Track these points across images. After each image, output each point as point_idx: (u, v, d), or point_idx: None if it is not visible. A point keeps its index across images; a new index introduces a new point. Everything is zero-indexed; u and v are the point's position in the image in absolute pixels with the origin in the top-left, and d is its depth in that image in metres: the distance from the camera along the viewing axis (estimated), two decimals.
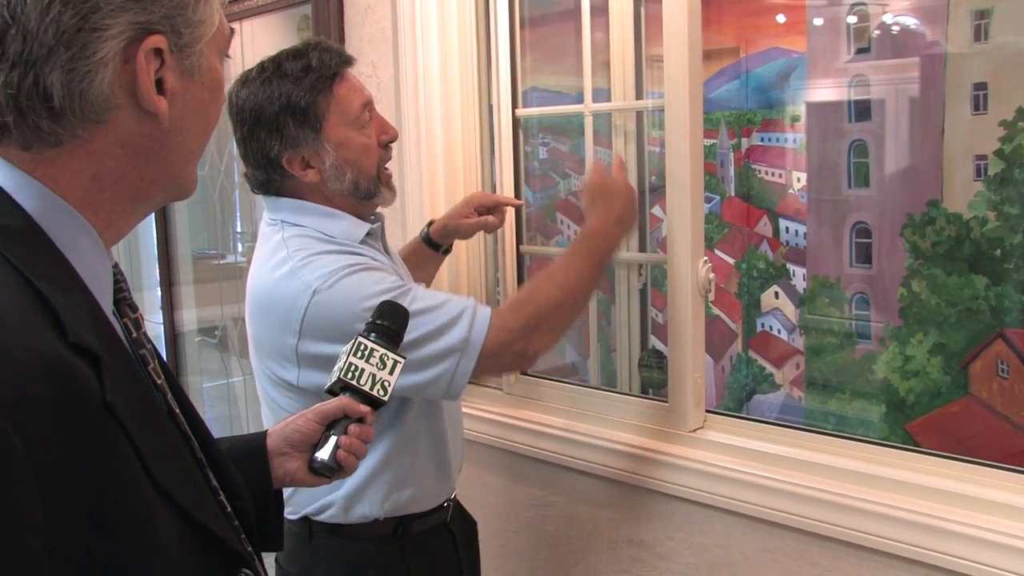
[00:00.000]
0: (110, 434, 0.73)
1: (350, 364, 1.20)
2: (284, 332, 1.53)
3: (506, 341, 1.53)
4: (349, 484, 1.63)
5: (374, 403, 1.21)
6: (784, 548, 1.66)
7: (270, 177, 1.60)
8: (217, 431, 3.00)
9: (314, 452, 1.19)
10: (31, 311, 0.72)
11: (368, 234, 1.63)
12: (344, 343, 1.37)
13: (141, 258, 4.03)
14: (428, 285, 2.06)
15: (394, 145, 1.71)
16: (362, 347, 1.21)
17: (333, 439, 1.18)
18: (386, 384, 1.21)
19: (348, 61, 1.62)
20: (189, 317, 3.57)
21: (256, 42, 2.88)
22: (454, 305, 1.54)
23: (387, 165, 1.66)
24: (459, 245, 2.24)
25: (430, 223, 1.99)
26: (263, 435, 1.22)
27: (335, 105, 1.57)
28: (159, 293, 3.63)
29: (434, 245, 1.97)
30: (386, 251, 1.71)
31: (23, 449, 0.65)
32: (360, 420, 1.20)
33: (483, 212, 1.95)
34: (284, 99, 1.55)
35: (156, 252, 3.57)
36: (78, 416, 0.70)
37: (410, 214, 2.24)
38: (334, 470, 1.18)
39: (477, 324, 1.52)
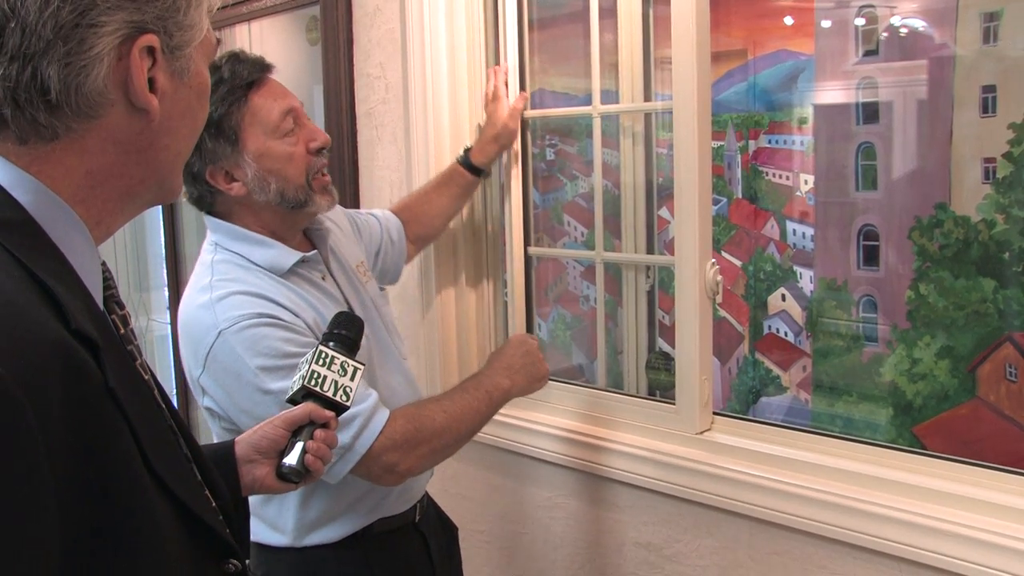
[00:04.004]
0: (113, 419, 0.75)
1: (313, 372, 1.23)
2: (194, 361, 1.53)
3: (382, 450, 1.51)
4: (295, 521, 1.62)
5: (338, 408, 1.23)
6: (791, 551, 1.66)
7: (201, 192, 1.59)
8: None
9: (282, 458, 1.21)
10: (35, 298, 0.74)
11: (302, 261, 1.61)
12: (234, 394, 1.46)
13: (149, 258, 4.04)
14: (452, 216, 2.13)
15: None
16: (323, 355, 1.24)
17: (300, 444, 1.20)
18: (348, 390, 1.24)
19: (265, 69, 1.59)
20: None
21: (264, 43, 2.89)
22: (352, 404, 1.42)
23: (324, 172, 1.63)
24: (466, 248, 2.24)
25: (467, 149, 2.06)
26: (231, 443, 1.25)
27: (250, 115, 1.55)
28: (166, 293, 3.64)
29: (476, 170, 2.05)
30: (331, 273, 1.69)
31: (37, 425, 0.67)
32: (325, 425, 1.22)
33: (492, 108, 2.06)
34: None
35: (163, 252, 3.58)
36: (84, 398, 0.72)
37: None
38: (302, 474, 1.20)
39: (367, 431, 1.50)
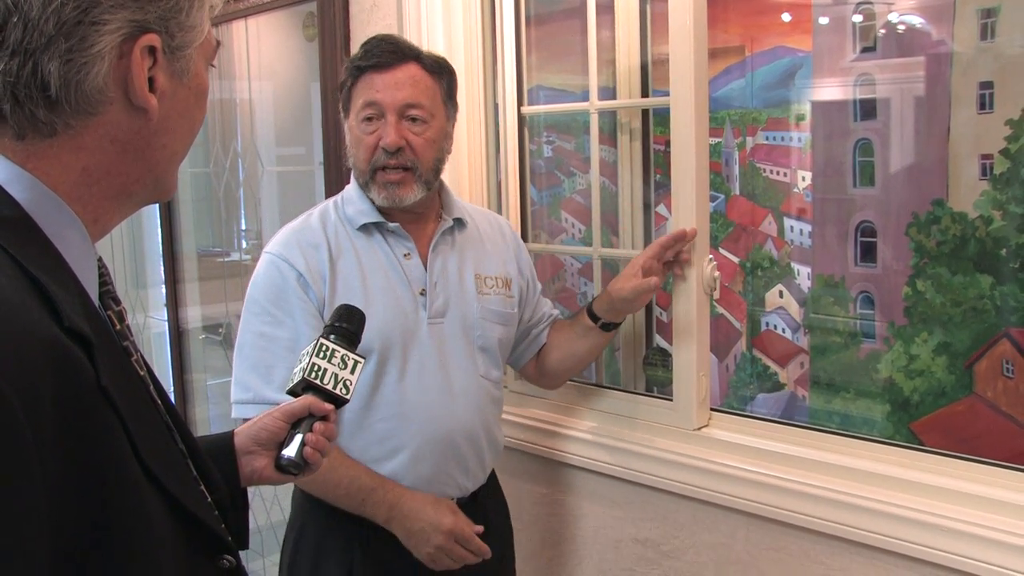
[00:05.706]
0: (105, 417, 0.75)
1: (313, 364, 1.23)
2: None
3: None
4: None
5: (337, 401, 1.24)
6: (789, 547, 1.66)
7: None
8: (221, 428, 3.03)
9: (281, 450, 1.21)
10: (28, 296, 0.74)
11: (387, 230, 1.71)
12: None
13: (146, 255, 4.04)
14: (588, 363, 1.97)
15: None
16: (324, 348, 1.25)
17: (299, 437, 1.20)
18: (348, 383, 1.24)
19: (389, 57, 1.67)
20: (194, 314, 3.58)
21: (261, 40, 2.88)
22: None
23: (391, 170, 1.65)
24: None
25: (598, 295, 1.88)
26: (230, 434, 1.25)
27: (354, 93, 1.70)
28: (164, 290, 3.64)
29: (594, 317, 1.81)
30: (423, 256, 1.71)
31: (26, 423, 0.67)
32: (324, 418, 1.22)
33: (650, 270, 1.74)
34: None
35: (161, 249, 3.58)
36: (76, 396, 0.72)
37: None
38: (301, 467, 1.21)
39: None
